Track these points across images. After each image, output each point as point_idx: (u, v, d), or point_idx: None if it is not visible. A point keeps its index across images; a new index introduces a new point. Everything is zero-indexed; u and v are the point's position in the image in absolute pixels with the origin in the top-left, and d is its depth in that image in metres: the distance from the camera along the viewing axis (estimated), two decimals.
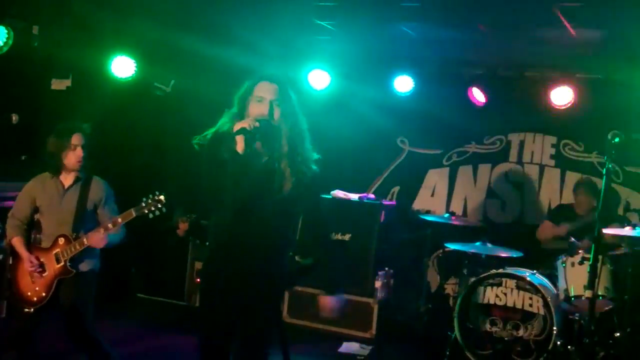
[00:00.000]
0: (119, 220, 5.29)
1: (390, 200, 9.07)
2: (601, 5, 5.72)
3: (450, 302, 8.37)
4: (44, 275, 5.38)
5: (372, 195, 8.61)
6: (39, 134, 7.71)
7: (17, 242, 5.46)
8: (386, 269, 8.11)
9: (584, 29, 6.47)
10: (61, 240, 5.37)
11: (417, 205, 9.14)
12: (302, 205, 4.24)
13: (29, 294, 5.40)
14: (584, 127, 8.23)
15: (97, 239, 5.27)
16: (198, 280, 8.35)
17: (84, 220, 5.43)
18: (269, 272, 4.16)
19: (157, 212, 5.23)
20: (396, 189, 9.29)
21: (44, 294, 5.36)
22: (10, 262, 5.77)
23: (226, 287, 4.14)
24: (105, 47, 7.65)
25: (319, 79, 8.59)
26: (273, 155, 4.16)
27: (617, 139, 5.19)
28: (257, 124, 4.03)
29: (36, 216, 5.59)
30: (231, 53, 7.56)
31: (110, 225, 5.27)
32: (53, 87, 8.31)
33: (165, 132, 8.90)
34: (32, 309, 5.38)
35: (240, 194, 4.05)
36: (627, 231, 6.25)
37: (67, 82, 8.32)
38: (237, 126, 4.02)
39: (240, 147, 4.01)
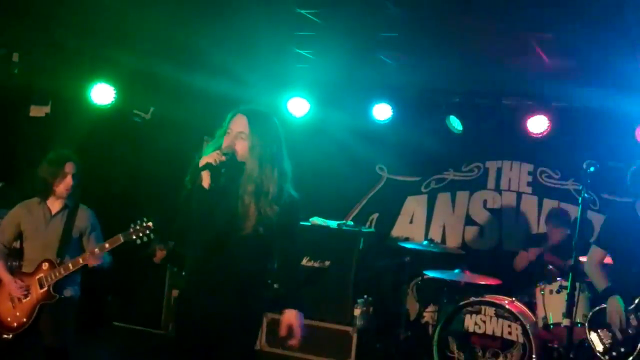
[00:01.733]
0: (106, 245, 5.27)
1: (369, 227, 9.08)
2: (575, 35, 5.79)
3: (430, 330, 8.36)
4: (25, 300, 5.33)
5: (350, 222, 8.63)
6: (17, 160, 7.70)
7: None
8: (365, 296, 8.10)
9: (558, 58, 6.56)
10: (45, 265, 5.34)
11: (396, 232, 9.16)
12: (273, 241, 4.12)
13: (9, 319, 5.34)
14: (560, 155, 8.30)
15: (93, 256, 5.24)
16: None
17: (69, 247, 5.41)
18: (242, 304, 4.09)
19: (145, 239, 5.21)
20: (375, 216, 9.31)
21: (24, 320, 5.31)
22: None
23: (201, 317, 4.09)
24: (85, 74, 7.66)
25: (298, 107, 8.63)
26: (237, 192, 4.03)
27: (592, 168, 5.25)
28: (223, 157, 3.95)
29: (16, 243, 5.55)
30: (211, 81, 7.60)
31: (97, 250, 5.26)
32: (32, 114, 8.29)
33: (144, 159, 8.88)
34: (10, 335, 5.32)
35: (206, 230, 3.99)
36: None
37: (47, 109, 8.29)
38: (203, 160, 3.93)
39: (205, 182, 3.92)
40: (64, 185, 5.40)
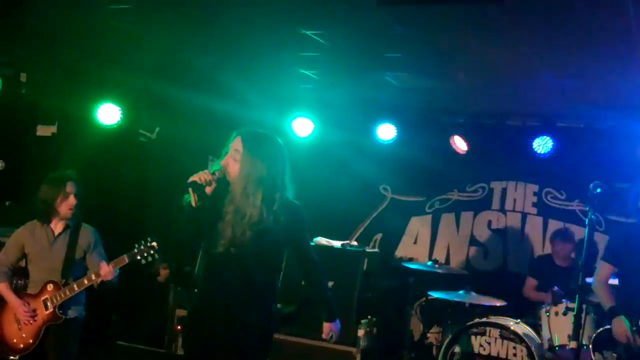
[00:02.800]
0: (112, 266, 5.28)
1: (373, 247, 9.07)
2: (579, 55, 5.82)
3: (434, 351, 8.33)
4: (31, 321, 5.33)
5: (354, 243, 8.61)
6: (24, 180, 7.72)
7: (4, 288, 5.42)
8: (369, 317, 8.06)
9: (564, 79, 6.57)
10: (50, 287, 5.35)
11: (400, 252, 9.16)
12: (271, 258, 4.23)
13: (15, 340, 5.35)
14: (565, 176, 8.31)
15: (106, 271, 5.23)
16: (179, 327, 8.28)
17: (74, 267, 5.42)
18: (242, 322, 4.17)
19: (150, 259, 5.22)
20: (379, 236, 9.30)
21: (30, 341, 5.31)
22: None
23: (209, 335, 4.18)
24: (91, 94, 7.68)
25: (302, 127, 8.66)
26: (221, 211, 4.14)
27: (598, 189, 5.25)
28: (209, 177, 4.06)
29: (22, 263, 5.56)
30: (216, 101, 7.63)
31: (109, 267, 5.25)
32: (39, 133, 8.30)
33: (150, 178, 8.90)
34: (17, 357, 5.33)
35: (195, 247, 4.18)
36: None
37: (53, 129, 8.31)
38: (190, 179, 4.05)
39: (193, 200, 4.01)
40: (67, 205, 5.41)
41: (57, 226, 5.49)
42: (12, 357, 5.34)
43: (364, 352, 7.81)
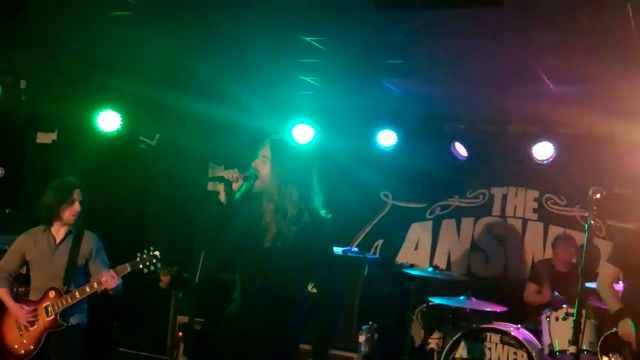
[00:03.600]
0: (114, 273, 5.28)
1: (374, 253, 9.08)
2: (579, 61, 5.82)
3: (435, 357, 8.30)
4: (32, 328, 5.34)
5: (355, 249, 8.61)
6: (24, 187, 7.72)
7: (4, 294, 5.43)
8: (370, 323, 8.04)
9: (564, 85, 6.58)
10: (52, 293, 5.36)
11: (401, 258, 9.15)
12: (297, 260, 4.38)
13: (16, 346, 5.37)
14: (566, 181, 8.30)
15: (110, 278, 5.24)
16: (180, 334, 8.28)
17: (76, 274, 5.44)
18: (276, 320, 4.35)
19: (152, 267, 5.27)
20: (380, 242, 9.30)
21: (32, 347, 5.33)
22: None
23: (256, 328, 4.38)
24: (91, 101, 7.69)
25: (303, 133, 8.65)
26: (256, 210, 4.36)
27: (598, 195, 5.24)
28: (236, 173, 4.28)
29: (23, 270, 5.57)
30: (216, 108, 7.63)
31: (102, 280, 5.26)
32: (38, 140, 8.32)
33: (150, 185, 8.91)
34: None
35: (223, 241, 4.34)
36: None
37: (53, 136, 8.32)
38: (219, 174, 4.28)
39: (222, 196, 4.26)
40: (71, 212, 5.43)
41: (59, 233, 5.50)
42: None
43: (365, 357, 7.80)
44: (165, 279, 8.57)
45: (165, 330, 8.61)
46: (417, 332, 8.76)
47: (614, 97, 6.73)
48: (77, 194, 5.45)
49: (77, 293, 5.30)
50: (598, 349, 5.74)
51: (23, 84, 7.12)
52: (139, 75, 7.26)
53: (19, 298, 5.48)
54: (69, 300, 5.30)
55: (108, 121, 7.80)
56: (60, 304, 5.30)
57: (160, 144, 8.66)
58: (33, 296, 5.44)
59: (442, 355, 6.99)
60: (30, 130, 8.35)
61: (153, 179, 8.87)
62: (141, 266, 5.24)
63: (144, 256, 5.24)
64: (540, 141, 7.87)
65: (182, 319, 8.35)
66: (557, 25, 4.98)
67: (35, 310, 5.35)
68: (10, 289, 5.49)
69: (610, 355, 5.84)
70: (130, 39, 6.26)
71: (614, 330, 5.62)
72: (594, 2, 4.50)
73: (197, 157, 8.71)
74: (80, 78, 7.39)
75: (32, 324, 5.34)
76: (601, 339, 5.79)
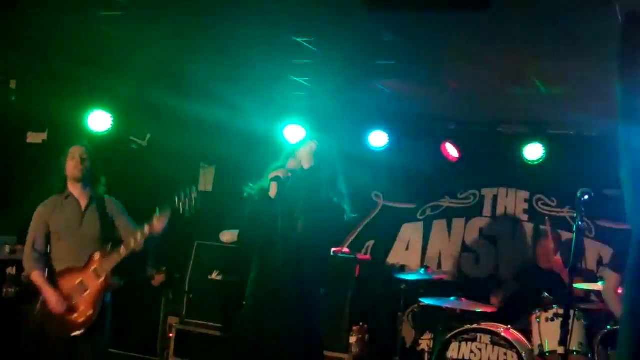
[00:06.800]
0: (160, 218, 5.34)
1: (365, 254, 9.07)
2: (568, 62, 5.83)
3: (425, 358, 8.32)
4: (85, 294, 5.30)
5: (346, 250, 8.61)
6: (14, 186, 7.70)
7: (38, 276, 5.36)
8: (361, 323, 8.06)
9: (553, 85, 6.59)
10: (97, 256, 5.34)
11: (392, 259, 9.15)
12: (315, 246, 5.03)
13: (75, 316, 5.30)
14: (556, 182, 8.31)
15: (158, 223, 5.31)
16: (170, 335, 8.27)
17: (110, 234, 5.47)
18: (304, 309, 5.05)
19: (193, 210, 5.29)
20: (371, 243, 9.30)
21: (91, 312, 5.29)
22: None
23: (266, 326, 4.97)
24: (82, 101, 7.69)
25: (294, 134, 8.64)
26: (296, 201, 4.99)
27: (586, 196, 5.26)
28: (289, 174, 4.96)
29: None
30: (207, 108, 7.62)
31: (155, 222, 5.31)
32: (29, 140, 8.31)
33: (141, 185, 8.88)
34: (82, 330, 5.31)
35: (271, 232, 4.93)
36: (598, 286, 6.31)
37: (44, 136, 8.31)
38: (273, 174, 4.92)
39: (273, 192, 4.88)
40: (73, 165, 5.47)
41: (81, 198, 5.51)
42: (76, 332, 5.30)
43: (356, 358, 7.81)
44: (159, 278, 8.56)
45: (156, 331, 8.61)
46: (408, 332, 8.75)
47: (604, 98, 6.74)
48: (75, 149, 5.52)
49: (121, 249, 5.30)
50: (599, 344, 5.77)
51: (13, 84, 7.12)
52: (129, 75, 7.25)
53: (64, 272, 5.38)
54: (116, 258, 5.29)
55: (99, 121, 7.80)
56: (107, 264, 5.29)
57: (151, 143, 8.65)
58: (59, 266, 5.37)
59: (433, 356, 7.00)
60: (20, 130, 8.34)
61: (144, 178, 8.84)
62: (181, 207, 5.27)
63: (184, 196, 5.27)
64: (530, 142, 7.90)
65: (173, 319, 8.36)
66: (545, 26, 4.99)
67: (84, 283, 5.30)
68: (44, 270, 5.39)
69: (609, 349, 5.98)
70: (121, 39, 6.25)
71: (616, 327, 5.64)
72: (583, 3, 4.51)
73: (189, 157, 8.69)
74: (71, 78, 7.37)
75: (84, 291, 5.30)
76: (602, 333, 5.82)
